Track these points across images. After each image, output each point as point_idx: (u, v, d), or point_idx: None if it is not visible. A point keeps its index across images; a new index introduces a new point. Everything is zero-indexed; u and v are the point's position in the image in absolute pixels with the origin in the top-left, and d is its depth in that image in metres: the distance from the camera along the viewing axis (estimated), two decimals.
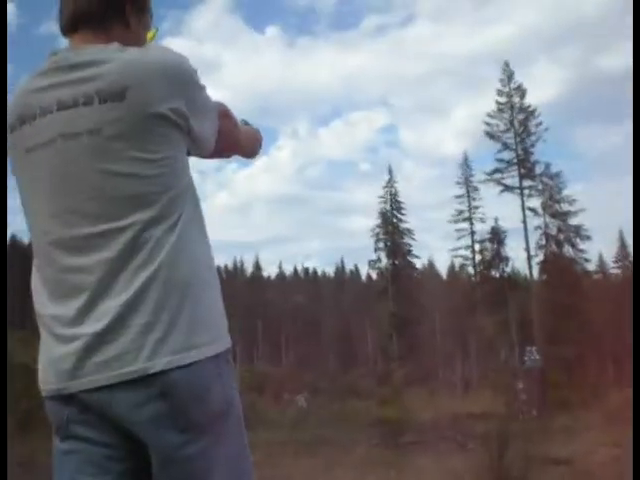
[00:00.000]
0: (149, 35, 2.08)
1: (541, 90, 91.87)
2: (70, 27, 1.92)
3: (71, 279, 1.79)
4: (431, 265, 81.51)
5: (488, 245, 52.81)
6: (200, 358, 1.74)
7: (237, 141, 2.24)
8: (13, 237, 69.94)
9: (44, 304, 1.85)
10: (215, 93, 1.97)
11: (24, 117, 1.84)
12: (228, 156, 2.31)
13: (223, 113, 2.07)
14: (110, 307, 1.73)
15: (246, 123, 2.37)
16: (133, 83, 1.75)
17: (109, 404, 1.73)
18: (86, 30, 1.90)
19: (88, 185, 1.77)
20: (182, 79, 1.83)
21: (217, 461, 1.79)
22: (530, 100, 48.92)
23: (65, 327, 1.77)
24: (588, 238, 47.41)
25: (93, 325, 1.73)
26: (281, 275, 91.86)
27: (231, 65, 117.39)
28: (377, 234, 59.65)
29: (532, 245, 47.66)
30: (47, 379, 1.83)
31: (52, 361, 1.81)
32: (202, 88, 1.91)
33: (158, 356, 1.70)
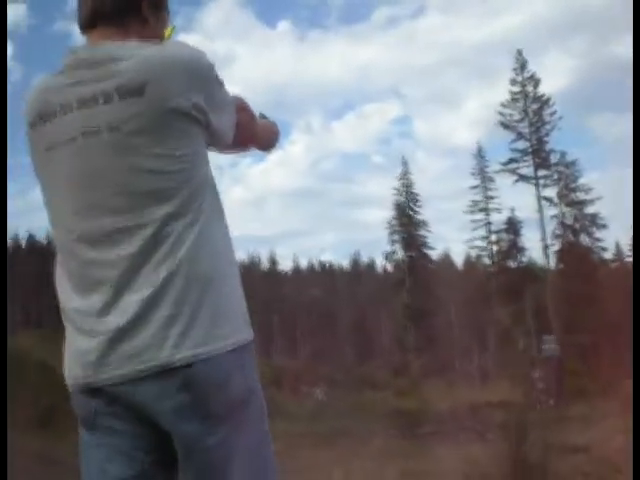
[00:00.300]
0: (167, 32, 2.10)
1: (553, 79, 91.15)
2: (88, 24, 1.95)
3: (94, 273, 1.82)
4: (447, 256, 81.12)
5: (504, 235, 52.61)
6: (222, 351, 1.77)
7: (254, 134, 2.27)
8: (31, 236, 70.33)
9: (68, 298, 1.89)
10: (228, 88, 2.00)
11: (44, 115, 1.86)
12: (246, 149, 2.34)
13: (240, 107, 2.09)
14: (132, 301, 1.76)
15: (263, 116, 2.40)
16: (152, 79, 1.77)
17: (133, 395, 1.77)
18: (104, 27, 1.92)
19: (110, 181, 1.79)
20: (200, 74, 1.86)
21: (238, 450, 1.82)
22: (542, 89, 48.70)
23: (89, 321, 1.81)
24: (604, 227, 47.21)
25: (116, 319, 1.76)
26: (297, 269, 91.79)
27: (243, 60, 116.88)
28: (392, 226, 59.56)
29: (548, 235, 47.57)
30: (73, 373, 1.87)
31: (77, 354, 1.85)
32: (220, 83, 1.93)
33: (180, 349, 1.73)
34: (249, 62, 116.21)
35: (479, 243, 55.12)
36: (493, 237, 53.76)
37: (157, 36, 2.02)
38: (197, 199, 1.83)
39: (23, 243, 71.98)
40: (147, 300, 1.75)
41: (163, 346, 1.74)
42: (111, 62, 1.82)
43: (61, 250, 1.92)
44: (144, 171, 1.78)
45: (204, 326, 1.76)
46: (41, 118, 1.87)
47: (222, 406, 1.78)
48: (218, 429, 1.78)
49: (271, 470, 1.94)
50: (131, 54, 1.82)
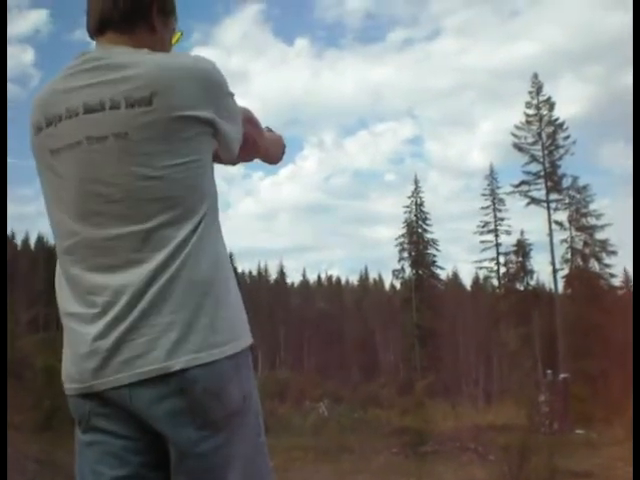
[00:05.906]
0: (174, 38, 2.10)
1: (567, 106, 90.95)
2: (97, 30, 1.95)
3: (95, 279, 1.82)
4: (455, 276, 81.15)
5: (513, 258, 52.55)
6: (220, 357, 1.78)
7: (261, 146, 2.28)
8: (40, 239, 70.63)
9: (68, 303, 1.89)
10: (243, 103, 2.01)
11: (50, 118, 1.86)
12: (250, 159, 2.35)
13: (247, 118, 2.10)
14: (132, 307, 1.77)
15: (269, 130, 2.41)
16: (161, 88, 1.77)
17: (129, 399, 1.77)
18: (113, 33, 1.93)
19: (113, 187, 1.79)
20: (210, 85, 1.85)
21: (233, 457, 1.82)
22: (556, 114, 48.71)
23: (89, 325, 1.81)
24: (614, 253, 46.97)
25: (115, 325, 1.77)
26: (304, 282, 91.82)
27: (259, 76, 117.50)
28: (402, 244, 59.60)
29: (557, 259, 47.47)
30: (71, 377, 1.88)
31: (76, 359, 1.85)
32: (230, 94, 1.93)
33: (178, 355, 1.74)
34: (265, 78, 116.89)
35: (488, 264, 55.11)
36: (502, 259, 53.74)
37: (165, 42, 2.03)
38: (200, 207, 1.84)
39: (32, 245, 72.36)
40: (147, 306, 1.76)
41: (161, 351, 1.74)
42: (120, 68, 1.82)
43: (62, 255, 1.92)
44: (149, 178, 1.78)
45: (202, 332, 1.77)
46: (47, 121, 1.87)
47: (219, 412, 1.78)
48: (214, 436, 1.78)
49: (267, 477, 1.94)
50: (140, 62, 1.82)
